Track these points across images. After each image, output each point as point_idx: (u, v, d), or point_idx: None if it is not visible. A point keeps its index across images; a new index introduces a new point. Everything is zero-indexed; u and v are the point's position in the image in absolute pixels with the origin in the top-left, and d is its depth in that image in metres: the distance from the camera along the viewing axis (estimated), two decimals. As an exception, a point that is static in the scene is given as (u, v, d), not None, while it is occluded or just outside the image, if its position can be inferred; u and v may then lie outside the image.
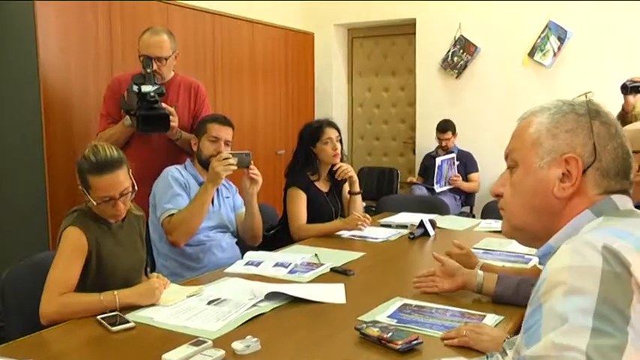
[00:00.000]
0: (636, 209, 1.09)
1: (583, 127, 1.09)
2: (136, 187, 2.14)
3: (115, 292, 1.95)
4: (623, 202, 1.09)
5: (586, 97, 1.13)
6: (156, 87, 2.92)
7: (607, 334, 0.83)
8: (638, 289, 0.86)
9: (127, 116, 3.02)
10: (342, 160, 3.40)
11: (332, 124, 3.38)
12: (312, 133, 3.35)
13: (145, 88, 2.88)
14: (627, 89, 3.75)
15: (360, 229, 3.11)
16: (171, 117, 2.97)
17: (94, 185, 2.04)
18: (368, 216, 3.19)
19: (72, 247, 2.04)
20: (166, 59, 3.11)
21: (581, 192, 1.08)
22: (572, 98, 1.15)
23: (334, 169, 3.38)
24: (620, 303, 0.85)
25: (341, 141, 3.39)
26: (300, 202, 3.25)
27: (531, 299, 0.96)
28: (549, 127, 1.11)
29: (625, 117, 3.80)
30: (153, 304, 1.99)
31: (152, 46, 3.07)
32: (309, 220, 3.23)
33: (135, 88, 2.90)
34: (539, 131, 1.12)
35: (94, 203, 2.06)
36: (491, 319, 1.83)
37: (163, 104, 2.97)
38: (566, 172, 1.08)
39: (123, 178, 2.07)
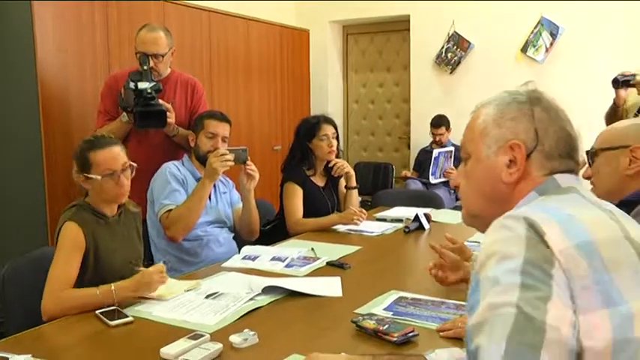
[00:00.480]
0: (575, 187, 1.10)
1: (525, 114, 1.13)
2: (135, 165, 2.19)
3: (112, 285, 1.94)
4: (567, 180, 1.12)
5: (527, 85, 1.17)
6: (152, 83, 2.90)
7: (533, 288, 0.89)
8: (555, 257, 0.91)
9: (125, 113, 3.00)
10: (337, 156, 3.40)
11: (329, 121, 3.37)
12: (309, 128, 3.34)
13: (142, 85, 2.86)
14: (618, 83, 3.74)
15: (356, 224, 3.11)
16: (168, 113, 2.96)
17: (95, 161, 2.08)
18: (364, 210, 3.19)
19: (70, 243, 2.04)
20: (163, 56, 3.09)
21: (526, 176, 1.12)
22: (515, 87, 1.19)
23: (330, 165, 3.37)
24: (543, 264, 0.91)
25: (337, 137, 3.38)
26: (296, 197, 3.24)
27: (473, 275, 1.00)
28: (494, 117, 1.15)
29: (616, 111, 3.79)
30: (151, 298, 1.99)
31: (149, 43, 3.05)
32: (306, 215, 3.23)
33: (132, 84, 2.87)
34: (485, 122, 1.17)
35: (99, 178, 2.07)
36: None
37: (160, 101, 2.96)
38: (512, 158, 1.12)
39: (121, 153, 2.15)
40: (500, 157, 1.14)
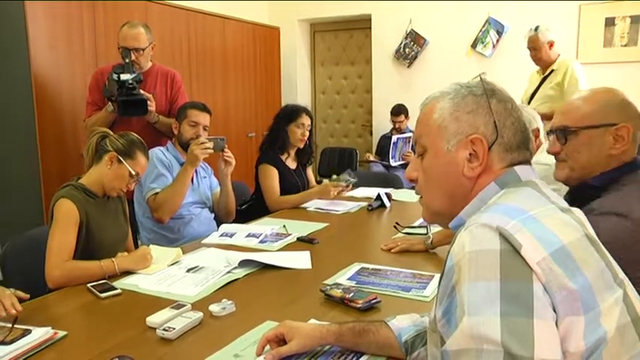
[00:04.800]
0: (533, 180, 1.03)
1: (482, 106, 1.03)
2: (140, 178, 2.30)
3: (113, 259, 1.95)
4: (525, 172, 1.04)
5: (480, 78, 1.08)
6: (134, 75, 2.88)
7: (515, 314, 0.82)
8: (533, 271, 0.85)
9: (109, 103, 2.97)
10: (310, 147, 3.40)
11: (308, 113, 3.36)
12: (290, 114, 3.31)
13: (124, 76, 2.84)
14: None
15: (332, 194, 3.10)
16: (148, 102, 2.93)
17: (137, 160, 2.17)
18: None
19: (66, 217, 2.00)
20: (143, 50, 3.06)
21: (487, 169, 1.03)
22: (468, 80, 1.09)
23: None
24: (521, 282, 0.84)
25: (311, 131, 3.37)
26: (273, 177, 3.23)
27: (445, 286, 0.92)
28: (451, 111, 1.05)
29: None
30: (138, 272, 1.97)
31: (130, 38, 3.02)
32: (280, 193, 3.22)
33: (115, 76, 2.86)
34: (442, 116, 1.06)
35: (130, 170, 2.13)
36: (437, 278, 1.84)
37: (141, 90, 2.92)
38: (472, 152, 1.03)
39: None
40: (460, 151, 1.03)
